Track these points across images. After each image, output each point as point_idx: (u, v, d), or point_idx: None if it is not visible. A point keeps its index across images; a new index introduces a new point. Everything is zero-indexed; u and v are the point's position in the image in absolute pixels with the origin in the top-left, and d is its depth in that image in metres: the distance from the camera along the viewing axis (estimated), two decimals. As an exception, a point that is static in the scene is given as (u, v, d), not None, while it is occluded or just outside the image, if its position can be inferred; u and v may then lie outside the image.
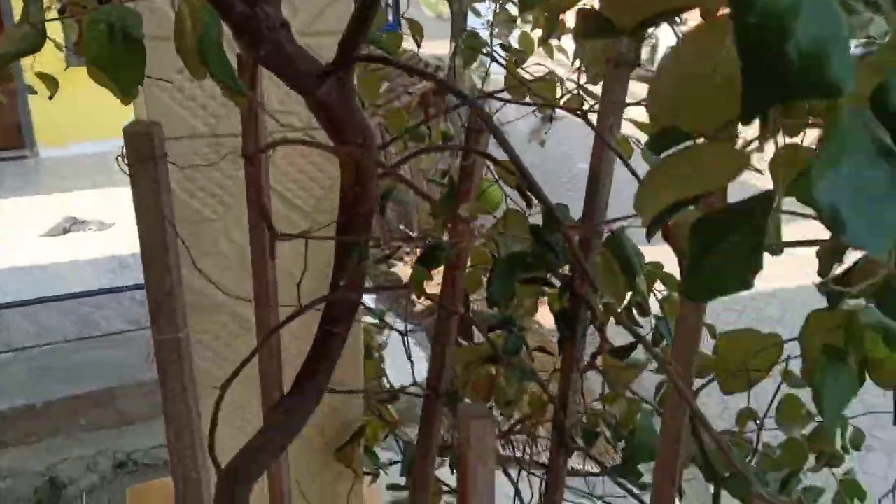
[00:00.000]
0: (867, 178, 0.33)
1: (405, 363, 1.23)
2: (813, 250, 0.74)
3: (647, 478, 1.30)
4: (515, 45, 1.36)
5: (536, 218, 1.00)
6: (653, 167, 0.42)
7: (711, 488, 1.21)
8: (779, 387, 0.88)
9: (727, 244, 0.36)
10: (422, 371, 1.24)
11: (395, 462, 1.28)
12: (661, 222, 0.40)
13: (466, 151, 0.97)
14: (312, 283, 0.94)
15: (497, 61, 1.11)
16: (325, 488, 1.32)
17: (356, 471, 1.28)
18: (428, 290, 0.98)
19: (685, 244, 0.38)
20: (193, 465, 0.70)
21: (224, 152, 1.15)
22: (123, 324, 3.58)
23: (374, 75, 1.33)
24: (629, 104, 0.97)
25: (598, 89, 1.06)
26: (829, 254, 0.77)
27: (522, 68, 1.27)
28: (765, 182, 0.42)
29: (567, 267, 0.93)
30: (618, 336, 0.97)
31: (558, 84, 1.17)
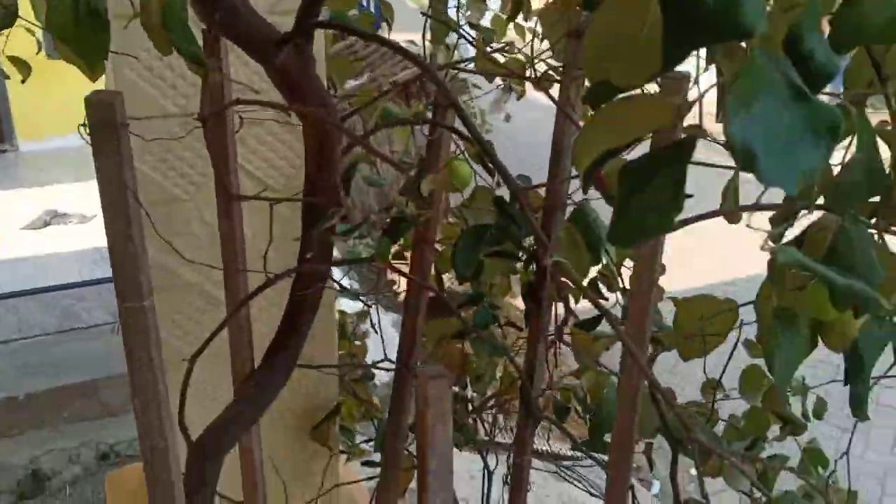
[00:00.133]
0: (782, 120, 0.35)
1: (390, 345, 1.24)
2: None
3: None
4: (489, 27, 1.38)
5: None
6: (587, 121, 0.43)
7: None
8: (730, 356, 0.91)
9: (651, 187, 0.38)
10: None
11: (371, 440, 1.29)
12: (595, 171, 0.41)
13: (433, 126, 0.98)
14: (285, 258, 0.95)
15: (465, 38, 1.12)
16: (300, 466, 1.33)
17: (331, 449, 1.29)
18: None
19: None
20: (160, 434, 0.71)
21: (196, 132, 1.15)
22: (105, 316, 3.57)
23: (345, 58, 1.34)
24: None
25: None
26: (780, 219, 0.79)
27: (493, 48, 1.28)
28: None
29: (532, 239, 0.95)
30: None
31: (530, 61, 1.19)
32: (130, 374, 0.70)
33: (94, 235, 4.14)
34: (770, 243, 0.51)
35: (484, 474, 1.12)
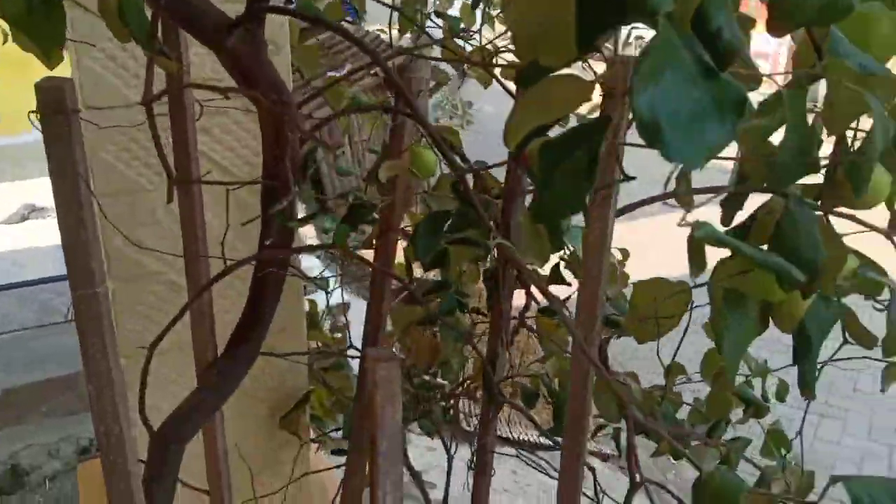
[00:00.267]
0: (688, 96, 0.36)
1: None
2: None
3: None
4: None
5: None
6: (517, 101, 0.44)
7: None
8: (681, 339, 0.92)
9: (569, 163, 0.39)
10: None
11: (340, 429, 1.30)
12: (523, 149, 0.42)
13: (395, 114, 0.98)
14: (251, 247, 0.95)
15: (420, 28, 1.12)
16: (270, 455, 1.34)
17: (301, 437, 1.30)
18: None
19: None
20: (115, 421, 0.72)
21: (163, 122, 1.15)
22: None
23: (312, 47, 1.34)
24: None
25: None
26: (730, 202, 0.80)
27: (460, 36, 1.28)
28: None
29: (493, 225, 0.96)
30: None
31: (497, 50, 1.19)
32: (84, 361, 0.70)
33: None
34: (687, 220, 0.52)
35: (449, 459, 1.13)
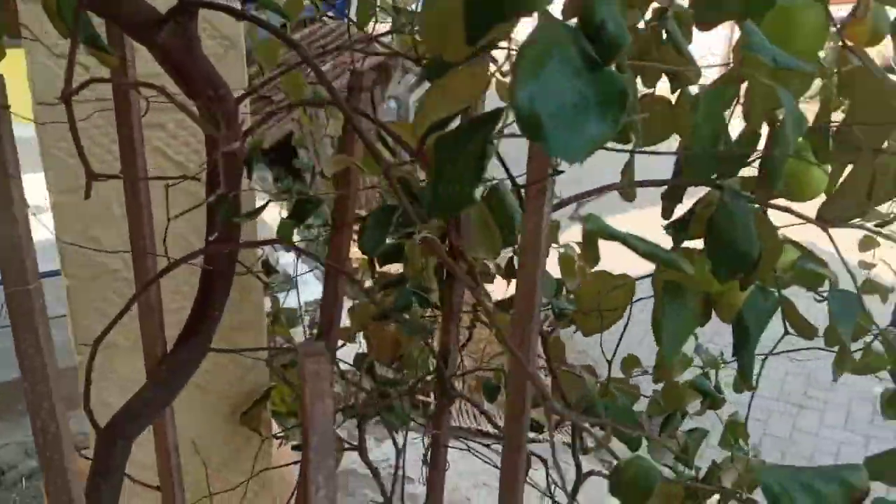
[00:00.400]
0: (570, 89, 0.36)
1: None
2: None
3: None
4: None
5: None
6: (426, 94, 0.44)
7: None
8: (623, 331, 0.93)
9: (461, 157, 0.39)
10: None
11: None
12: (423, 143, 0.42)
13: (355, 110, 0.98)
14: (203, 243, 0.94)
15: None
16: (232, 451, 1.34)
17: (261, 434, 1.30)
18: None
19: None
20: (51, 417, 0.71)
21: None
22: (60, 308, 3.52)
23: (273, 42, 1.33)
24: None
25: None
26: (669, 195, 0.81)
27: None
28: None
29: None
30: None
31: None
32: (18, 357, 0.69)
33: (49, 227, 4.06)
34: (580, 213, 0.53)
35: (397, 453, 1.14)
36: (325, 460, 0.64)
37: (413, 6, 1.44)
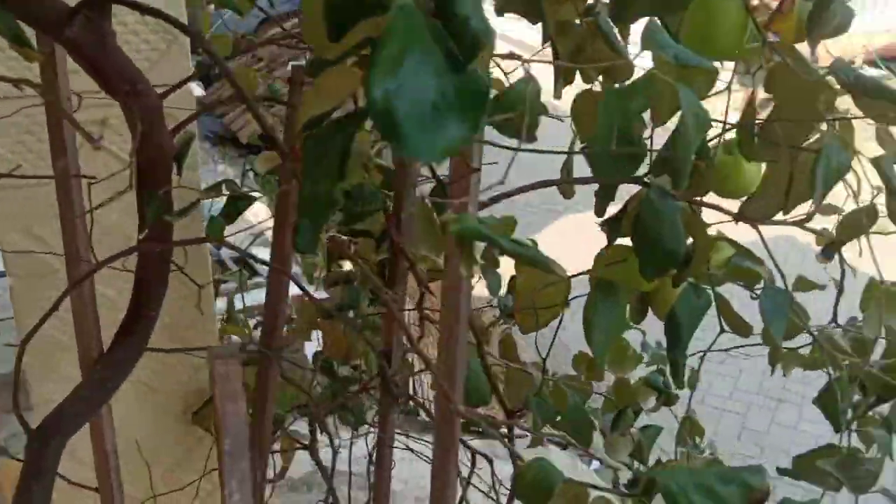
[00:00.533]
0: (432, 88, 0.35)
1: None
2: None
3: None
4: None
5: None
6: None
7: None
8: (556, 330, 0.92)
9: (327, 157, 0.38)
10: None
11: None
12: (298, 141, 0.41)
13: (289, 105, 0.97)
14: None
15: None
16: (185, 452, 1.32)
17: (212, 433, 1.28)
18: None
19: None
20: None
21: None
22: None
23: (224, 37, 1.32)
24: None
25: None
26: (603, 192, 0.80)
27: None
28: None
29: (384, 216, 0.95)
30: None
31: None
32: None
33: None
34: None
35: (333, 453, 1.13)
36: (238, 464, 0.63)
37: None
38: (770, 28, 0.68)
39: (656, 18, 0.53)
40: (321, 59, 0.42)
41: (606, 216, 0.81)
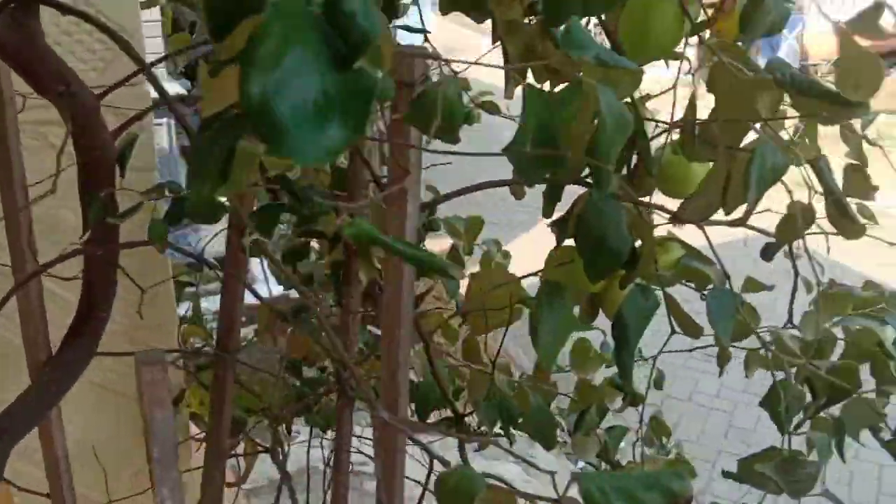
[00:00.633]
0: (313, 87, 0.34)
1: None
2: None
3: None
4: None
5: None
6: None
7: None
8: (506, 330, 0.91)
9: (211, 158, 0.37)
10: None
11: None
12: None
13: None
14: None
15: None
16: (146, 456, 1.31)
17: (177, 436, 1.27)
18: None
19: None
20: None
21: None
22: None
23: (183, 35, 1.30)
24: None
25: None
26: (549, 193, 0.79)
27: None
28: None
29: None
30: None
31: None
32: None
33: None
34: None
35: (283, 458, 1.12)
36: (168, 472, 0.62)
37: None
38: (713, 26, 0.67)
39: (578, 18, 0.52)
40: (217, 60, 0.41)
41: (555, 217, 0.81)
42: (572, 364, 1.16)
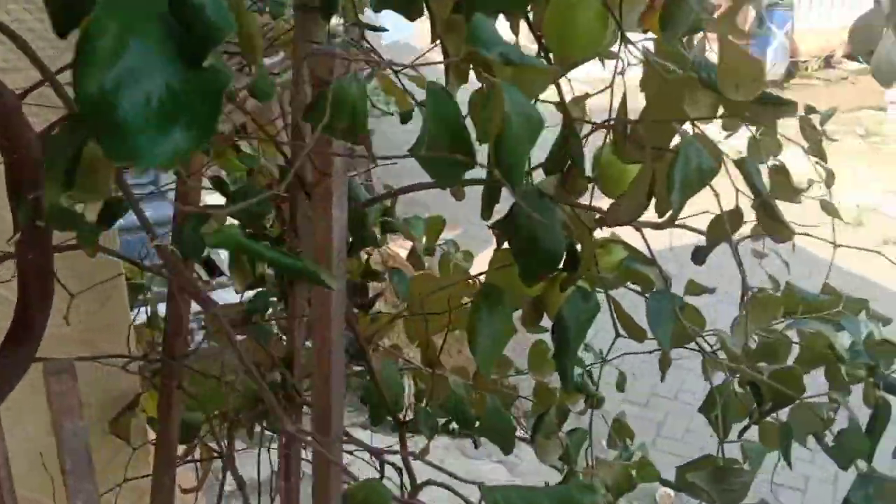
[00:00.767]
0: (158, 85, 0.32)
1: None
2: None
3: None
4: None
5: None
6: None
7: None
8: (445, 337, 0.89)
9: (58, 160, 0.35)
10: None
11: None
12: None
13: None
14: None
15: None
16: (105, 461, 1.29)
17: (129, 443, 1.25)
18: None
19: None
20: None
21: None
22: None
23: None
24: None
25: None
26: (487, 194, 0.78)
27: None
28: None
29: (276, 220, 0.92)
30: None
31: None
32: None
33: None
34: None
35: (223, 462, 1.10)
36: (81, 483, 0.60)
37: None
38: (644, 24, 0.65)
39: (483, 14, 0.50)
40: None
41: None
42: (530, 366, 1.14)
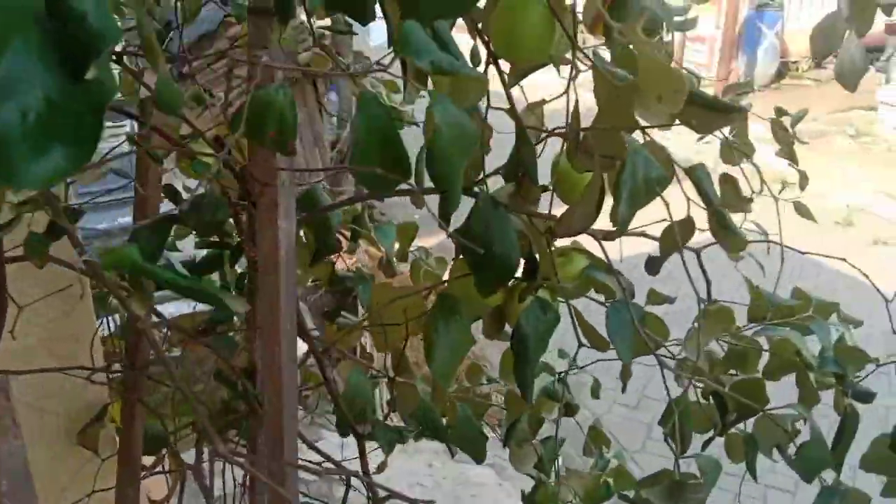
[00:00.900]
0: (35, 99, 0.30)
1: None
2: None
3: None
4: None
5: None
6: None
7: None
8: (404, 343, 0.88)
9: None
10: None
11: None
12: None
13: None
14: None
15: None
16: (73, 472, 1.27)
17: (98, 453, 1.23)
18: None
19: None
20: None
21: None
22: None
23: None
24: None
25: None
26: (442, 203, 0.76)
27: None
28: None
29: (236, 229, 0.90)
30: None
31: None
32: None
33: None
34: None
35: (182, 474, 1.08)
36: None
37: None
38: (595, 30, 0.64)
39: (414, 21, 0.48)
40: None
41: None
42: (501, 374, 1.13)
